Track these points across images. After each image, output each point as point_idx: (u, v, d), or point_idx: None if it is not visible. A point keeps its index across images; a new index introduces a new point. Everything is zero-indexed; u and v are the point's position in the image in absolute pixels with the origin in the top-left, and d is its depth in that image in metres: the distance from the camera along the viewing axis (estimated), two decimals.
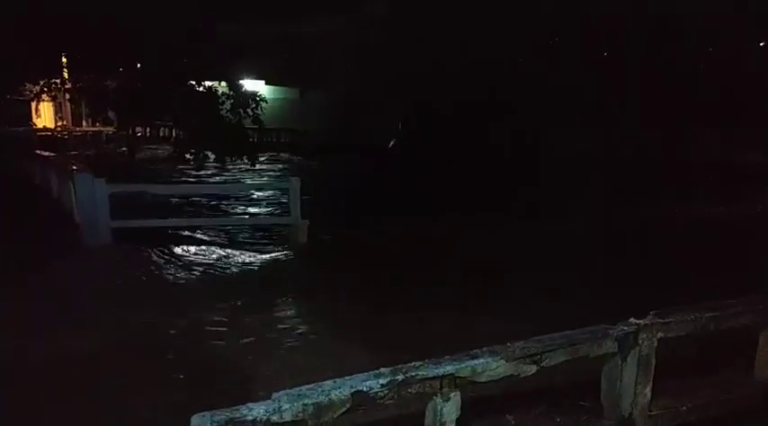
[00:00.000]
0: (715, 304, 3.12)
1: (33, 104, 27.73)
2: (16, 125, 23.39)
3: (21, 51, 14.79)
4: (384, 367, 2.48)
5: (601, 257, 6.90)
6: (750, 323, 3.22)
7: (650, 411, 2.80)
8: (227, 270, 7.10)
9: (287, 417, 2.18)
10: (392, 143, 21.49)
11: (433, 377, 2.48)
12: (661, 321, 2.80)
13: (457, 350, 2.55)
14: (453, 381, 2.51)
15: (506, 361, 2.60)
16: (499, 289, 5.80)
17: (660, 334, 2.81)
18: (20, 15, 12.15)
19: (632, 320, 2.78)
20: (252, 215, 11.12)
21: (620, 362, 2.75)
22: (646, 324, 2.76)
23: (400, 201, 10.49)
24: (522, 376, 2.61)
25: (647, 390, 2.78)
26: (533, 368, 2.62)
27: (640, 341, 2.74)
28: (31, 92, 23.65)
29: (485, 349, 2.62)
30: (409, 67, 17.83)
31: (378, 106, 20.73)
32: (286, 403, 2.21)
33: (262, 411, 2.16)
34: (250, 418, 2.13)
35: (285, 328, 5.15)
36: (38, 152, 13.16)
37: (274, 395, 2.26)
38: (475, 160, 14.59)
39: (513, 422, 2.89)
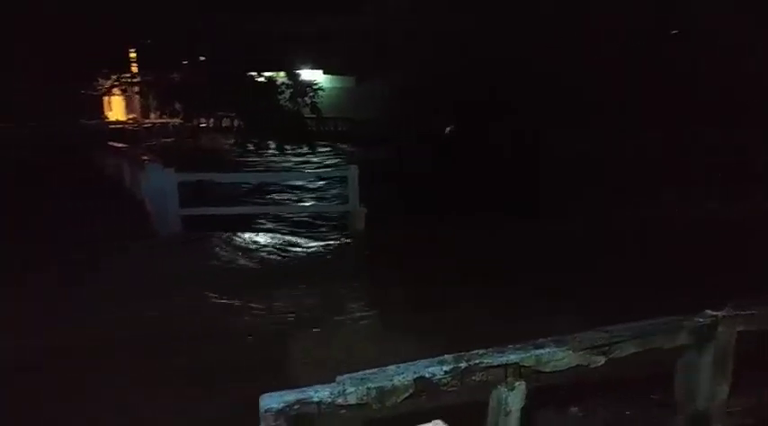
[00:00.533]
0: None
1: (105, 98, 29.20)
2: (89, 118, 24.71)
3: (94, 47, 15.59)
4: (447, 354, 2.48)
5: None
6: None
7: (728, 408, 2.67)
8: (290, 256, 7.28)
9: (351, 400, 2.22)
10: (448, 130, 21.28)
11: (498, 366, 2.45)
12: (742, 313, 2.65)
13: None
14: (518, 370, 2.47)
15: (573, 351, 2.54)
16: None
17: (740, 327, 2.66)
18: (91, 13, 12.79)
19: (708, 312, 2.64)
20: (312, 202, 11.33)
21: (695, 355, 2.62)
22: (725, 316, 2.62)
23: (456, 191, 10.38)
24: (591, 367, 2.55)
25: (725, 385, 2.64)
26: (601, 359, 2.54)
27: (718, 334, 2.61)
28: (103, 86, 24.94)
29: (550, 338, 2.57)
30: (464, 57, 17.60)
31: (435, 94, 20.55)
32: (350, 386, 2.25)
33: (327, 393, 2.20)
34: (316, 399, 2.18)
35: (345, 313, 5.22)
36: (110, 143, 13.87)
37: (339, 379, 2.30)
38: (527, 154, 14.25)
39: (579, 414, 2.82)
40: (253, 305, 5.33)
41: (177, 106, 23.57)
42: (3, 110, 13.10)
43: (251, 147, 17.73)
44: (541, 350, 2.52)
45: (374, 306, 5.39)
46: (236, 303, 5.37)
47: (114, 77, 23.30)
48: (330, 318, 5.04)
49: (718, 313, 2.66)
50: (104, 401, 3.51)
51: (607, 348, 2.55)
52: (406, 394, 2.33)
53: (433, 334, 4.00)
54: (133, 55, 21.64)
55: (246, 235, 8.08)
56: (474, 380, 2.44)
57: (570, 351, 2.54)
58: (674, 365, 2.66)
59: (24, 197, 8.06)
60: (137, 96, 30.36)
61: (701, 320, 2.61)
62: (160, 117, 30.05)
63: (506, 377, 2.46)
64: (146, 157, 9.17)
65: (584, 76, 15.21)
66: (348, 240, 8.07)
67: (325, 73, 26.51)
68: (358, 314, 5.21)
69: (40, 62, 12.99)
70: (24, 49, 10.93)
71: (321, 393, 2.21)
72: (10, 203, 7.58)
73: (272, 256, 7.23)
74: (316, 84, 18.64)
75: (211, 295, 5.56)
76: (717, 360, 2.59)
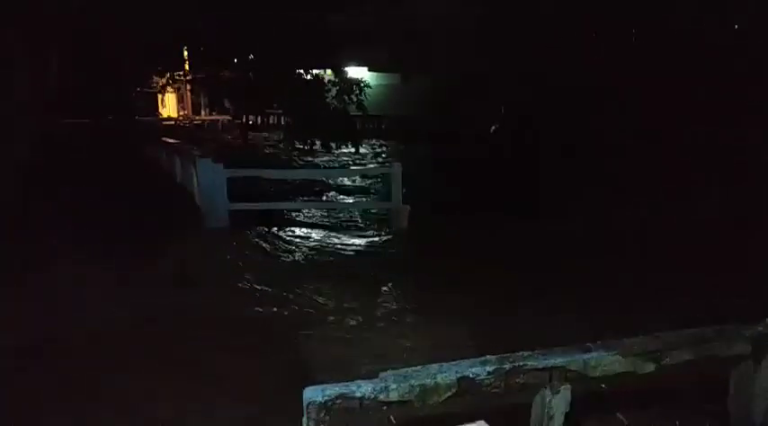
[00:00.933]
0: None
1: (159, 95, 30.26)
2: (144, 115, 25.64)
3: (150, 47, 16.17)
4: (490, 355, 2.46)
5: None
6: None
7: None
8: (335, 252, 7.35)
9: (393, 397, 2.23)
10: (493, 128, 20.98)
11: (543, 369, 2.41)
12: None
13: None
14: (564, 374, 2.42)
15: (622, 357, 2.47)
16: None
17: None
18: (146, 12, 13.26)
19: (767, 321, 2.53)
20: (356, 200, 11.42)
21: (752, 366, 2.51)
22: None
23: (499, 192, 10.26)
24: (640, 373, 2.47)
25: None
26: (652, 366, 2.47)
27: None
28: (158, 84, 25.85)
29: (598, 342, 2.51)
30: (511, 55, 17.37)
31: (481, 92, 20.32)
32: (393, 383, 2.26)
33: (369, 389, 2.22)
34: (359, 395, 2.20)
35: (387, 310, 5.24)
36: (163, 139, 14.34)
37: (381, 375, 2.31)
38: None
39: (625, 422, 2.74)
40: (289, 295, 5.45)
41: (227, 103, 24.23)
42: (64, 107, 13.74)
43: (298, 145, 18.01)
44: (589, 354, 2.47)
45: (410, 303, 5.41)
46: (279, 294, 5.49)
47: (168, 75, 24.14)
48: (366, 313, 5.08)
49: None
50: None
51: (659, 354, 2.48)
52: (449, 393, 2.32)
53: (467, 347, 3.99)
54: (186, 53, 22.36)
55: (291, 231, 8.22)
56: (518, 382, 2.41)
57: (619, 356, 2.48)
58: (728, 375, 2.56)
59: (78, 189, 8.43)
60: (189, 94, 31.40)
61: (761, 329, 2.50)
62: (210, 114, 30.98)
63: (551, 380, 2.42)
64: (197, 153, 9.44)
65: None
66: (391, 237, 8.10)
67: (370, 70, 26.61)
68: (394, 309, 5.25)
69: (96, 60, 13.58)
70: (83, 48, 11.44)
71: (364, 388, 2.23)
72: (67, 194, 7.95)
73: (315, 251, 7.33)
74: (362, 81, 18.75)
75: (255, 286, 5.71)
76: None
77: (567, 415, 2.43)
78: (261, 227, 8.04)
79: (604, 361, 2.47)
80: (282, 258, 7.03)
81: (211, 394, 3.45)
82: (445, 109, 22.08)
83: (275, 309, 5.15)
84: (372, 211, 9.75)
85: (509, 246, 7.29)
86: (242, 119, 22.99)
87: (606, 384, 2.45)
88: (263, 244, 7.43)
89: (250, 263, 6.62)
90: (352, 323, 4.88)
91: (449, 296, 5.36)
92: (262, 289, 5.68)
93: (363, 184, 12.81)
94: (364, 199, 11.37)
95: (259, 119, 26.84)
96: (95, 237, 6.26)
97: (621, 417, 2.72)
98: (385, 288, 5.83)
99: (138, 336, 4.28)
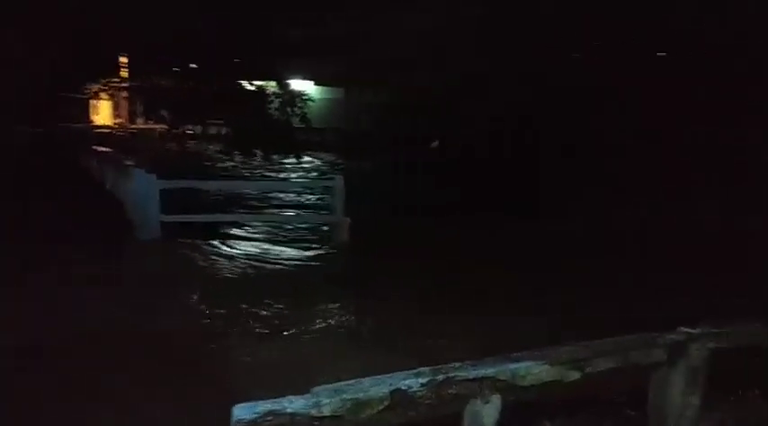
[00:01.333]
0: None
1: (92, 102, 28.98)
2: (75, 122, 24.46)
3: (83, 51, 15.50)
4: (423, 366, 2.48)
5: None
6: None
7: (698, 423, 2.69)
8: (272, 266, 7.25)
9: (326, 412, 2.20)
10: (434, 144, 21.37)
11: (473, 379, 2.45)
12: (715, 331, 2.69)
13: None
14: (494, 384, 2.47)
15: (550, 366, 2.55)
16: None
17: (712, 345, 2.69)
18: (82, 16, 12.74)
19: (682, 329, 2.68)
20: (296, 212, 11.31)
21: (668, 372, 2.65)
22: (697, 334, 2.66)
23: (442, 202, 10.44)
24: (566, 381, 2.56)
25: (696, 402, 2.67)
26: (577, 374, 2.55)
27: (691, 351, 2.64)
28: (91, 90, 24.74)
29: (526, 352, 2.58)
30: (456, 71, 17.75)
31: (424, 107, 20.68)
32: (325, 397, 2.23)
33: (301, 404, 2.18)
34: (290, 411, 2.16)
35: (326, 324, 5.20)
36: (94, 147, 13.74)
37: (314, 390, 2.28)
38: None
39: None
40: (225, 312, 5.29)
41: (164, 112, 23.49)
42: None
43: (237, 156, 17.68)
44: (518, 364, 2.53)
45: (349, 315, 5.39)
46: (209, 310, 5.33)
47: (103, 81, 23.16)
48: (305, 327, 5.02)
49: (692, 330, 2.69)
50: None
51: (583, 363, 2.57)
52: (382, 407, 2.33)
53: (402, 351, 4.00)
54: (123, 60, 21.56)
55: (228, 244, 8.04)
56: (450, 393, 2.44)
57: (547, 366, 2.56)
58: (647, 381, 2.69)
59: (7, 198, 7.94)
60: (124, 101, 30.23)
61: (675, 337, 2.65)
62: (146, 122, 29.92)
63: (482, 390, 2.47)
64: (129, 163, 9.10)
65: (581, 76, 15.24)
66: (331, 250, 8.06)
67: (316, 84, 26.60)
68: (330, 323, 5.20)
69: (28, 65, 12.88)
70: (13, 51, 10.85)
71: (295, 404, 2.19)
72: None
73: (251, 265, 7.19)
74: (305, 94, 18.70)
75: (185, 300, 5.52)
76: (688, 377, 2.62)
77: (496, 424, 2.47)
78: (195, 240, 7.83)
79: (532, 371, 2.53)
80: (213, 271, 6.85)
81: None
82: (389, 123, 22.29)
83: (201, 320, 4.99)
84: (313, 224, 9.69)
85: (449, 258, 7.37)
86: (180, 129, 22.35)
87: (534, 393, 2.51)
88: (195, 257, 7.23)
89: (175, 275, 6.41)
90: (286, 335, 4.81)
91: (380, 310, 5.35)
92: (183, 302, 5.49)
93: (304, 197, 12.73)
94: (305, 213, 11.28)
95: (198, 128, 26.16)
96: (15, 251, 5.90)
97: (549, 425, 2.80)
98: (320, 303, 5.76)
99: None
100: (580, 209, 9.31)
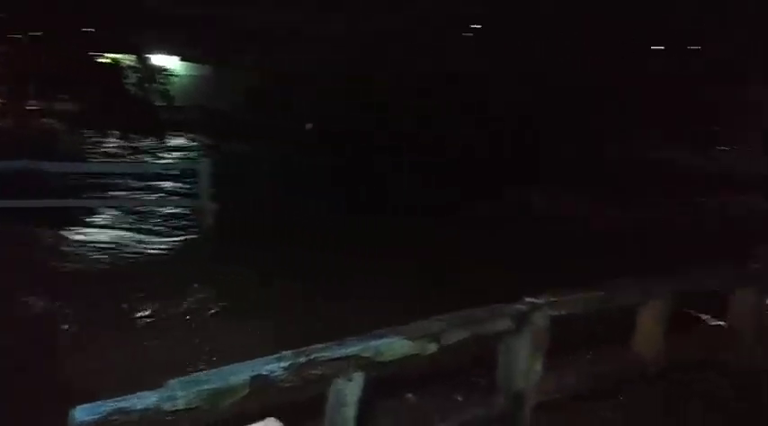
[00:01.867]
0: (605, 285, 3.34)
1: None
2: None
3: None
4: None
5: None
6: (633, 303, 3.50)
7: (541, 385, 2.97)
8: (129, 255, 6.73)
9: (180, 405, 2.10)
10: (308, 126, 21.14)
11: (337, 358, 2.48)
12: (553, 300, 2.97)
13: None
14: (357, 362, 2.52)
15: (410, 340, 2.66)
16: None
17: (552, 313, 2.98)
18: None
19: (527, 299, 2.93)
20: (157, 196, 10.58)
21: (515, 340, 2.89)
22: (539, 304, 2.92)
23: (317, 185, 10.40)
24: (425, 354, 2.68)
25: (539, 365, 2.94)
26: (434, 347, 2.69)
27: (534, 320, 2.89)
28: None
29: (388, 328, 2.66)
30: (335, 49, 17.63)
31: (300, 87, 20.31)
32: (180, 390, 2.13)
33: (153, 400, 2.06)
34: (140, 407, 2.03)
35: (188, 313, 4.96)
36: None
37: (168, 383, 2.17)
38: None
39: (413, 401, 2.96)
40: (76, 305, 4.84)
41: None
42: None
43: (90, 135, 16.13)
44: (379, 341, 2.60)
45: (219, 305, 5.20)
46: (49, 305, 4.84)
47: None
48: (165, 318, 4.75)
49: (535, 300, 2.95)
50: None
51: (440, 335, 2.71)
52: (243, 394, 2.27)
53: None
54: None
55: (75, 231, 7.31)
56: (314, 374, 2.45)
57: (407, 340, 2.66)
58: (497, 349, 2.91)
59: None
60: None
61: (521, 307, 2.88)
62: None
63: (345, 368, 2.51)
64: None
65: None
66: (196, 236, 7.67)
67: (182, 59, 24.90)
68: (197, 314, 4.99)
69: None
70: None
71: (147, 400, 2.07)
72: None
73: (107, 254, 6.63)
74: (166, 69, 17.51)
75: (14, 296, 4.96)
76: (532, 343, 2.88)
77: (360, 401, 2.52)
78: (38, 228, 7.03)
79: (394, 346, 2.62)
80: (58, 262, 6.21)
81: None
82: (263, 103, 21.62)
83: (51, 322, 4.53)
84: (177, 210, 9.13)
85: (313, 244, 7.23)
86: (21, 104, 19.84)
87: (396, 367, 2.60)
88: (37, 249, 6.50)
89: (19, 272, 5.72)
90: (144, 326, 4.52)
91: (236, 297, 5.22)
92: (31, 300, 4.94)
93: (168, 181, 11.92)
94: (168, 197, 10.58)
95: (43, 104, 23.41)
96: None
97: (411, 396, 2.93)
98: (181, 292, 5.47)
99: None
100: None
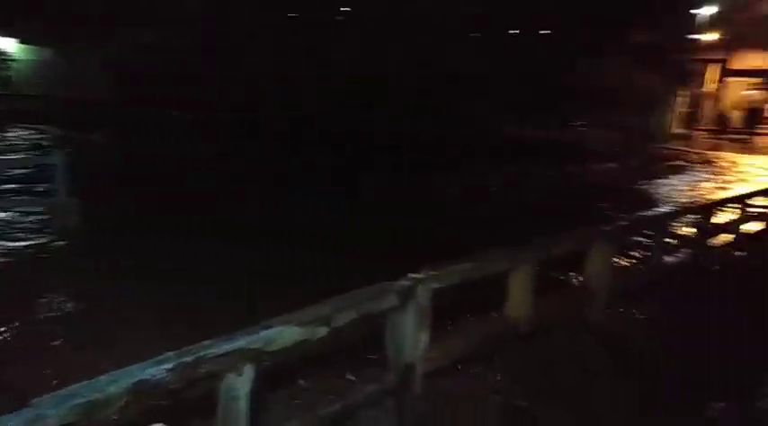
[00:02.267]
0: (479, 256, 3.57)
1: None
2: None
3: None
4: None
5: None
6: (504, 270, 3.78)
7: (428, 355, 3.12)
8: None
9: (52, 424, 1.93)
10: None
11: (225, 354, 2.41)
12: (433, 273, 3.11)
13: None
14: (246, 354, 2.47)
15: (299, 327, 2.65)
16: None
17: (434, 285, 3.12)
18: None
19: (410, 275, 3.04)
20: (3, 196, 9.39)
21: (401, 314, 2.99)
22: (421, 278, 3.04)
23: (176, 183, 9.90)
24: (315, 338, 2.69)
25: (425, 336, 3.08)
26: (324, 330, 2.71)
27: (418, 293, 3.02)
28: None
29: (277, 317, 2.63)
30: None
31: (158, 71, 19.02)
32: (50, 408, 1.95)
33: (15, 423, 1.87)
34: None
35: (45, 323, 4.52)
36: None
37: (35, 401, 1.97)
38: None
39: (306, 387, 2.97)
40: None
41: None
42: None
43: None
44: (268, 331, 2.56)
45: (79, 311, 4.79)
46: None
47: None
48: (22, 331, 4.29)
49: (417, 275, 3.07)
50: None
51: (329, 318, 2.73)
52: (122, 403, 2.13)
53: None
54: None
55: None
56: (201, 372, 2.36)
57: (297, 327, 2.65)
58: (384, 326, 2.99)
59: None
60: None
61: (404, 282, 2.99)
62: None
63: (234, 363, 2.44)
64: None
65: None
66: (52, 237, 6.95)
67: (22, 42, 22.06)
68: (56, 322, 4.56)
69: None
70: None
71: (10, 424, 1.86)
72: None
73: None
74: (6, 53, 15.53)
75: None
76: (417, 316, 3.00)
77: (251, 394, 2.48)
78: None
79: (284, 334, 2.60)
80: None
81: None
82: (120, 89, 20.00)
83: None
84: (28, 209, 8.17)
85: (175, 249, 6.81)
86: None
87: (288, 355, 2.59)
88: None
89: None
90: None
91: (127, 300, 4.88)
92: None
93: (15, 176, 10.61)
94: (15, 196, 9.42)
95: None
96: None
97: (303, 383, 2.93)
98: (38, 298, 4.96)
99: None
100: None
